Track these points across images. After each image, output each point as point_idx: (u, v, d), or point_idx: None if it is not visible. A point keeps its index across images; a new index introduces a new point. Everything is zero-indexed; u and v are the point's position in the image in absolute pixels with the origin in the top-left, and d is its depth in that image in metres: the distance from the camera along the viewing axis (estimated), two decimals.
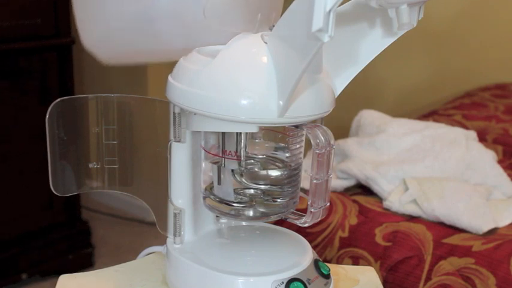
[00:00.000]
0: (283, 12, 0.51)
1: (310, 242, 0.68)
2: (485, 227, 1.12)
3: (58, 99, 0.63)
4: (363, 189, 1.30)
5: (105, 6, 0.59)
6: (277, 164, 0.64)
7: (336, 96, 0.60)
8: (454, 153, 1.30)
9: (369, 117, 1.48)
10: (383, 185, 1.24)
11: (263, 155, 0.64)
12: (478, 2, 2.25)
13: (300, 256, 0.64)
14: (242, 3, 0.58)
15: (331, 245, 1.15)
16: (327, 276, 0.64)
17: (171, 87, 0.59)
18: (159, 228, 0.67)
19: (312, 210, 0.59)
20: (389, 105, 2.23)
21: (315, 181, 0.58)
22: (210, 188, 0.65)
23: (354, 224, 1.16)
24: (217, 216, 0.68)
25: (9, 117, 1.77)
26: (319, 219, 0.60)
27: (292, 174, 0.63)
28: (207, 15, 0.56)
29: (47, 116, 0.63)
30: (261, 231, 0.70)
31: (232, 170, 0.63)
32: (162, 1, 0.57)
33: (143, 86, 2.27)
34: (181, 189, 0.64)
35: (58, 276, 0.69)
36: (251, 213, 0.63)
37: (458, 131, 1.38)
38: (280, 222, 0.70)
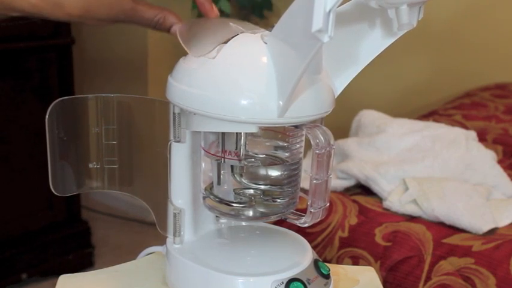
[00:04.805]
0: (283, 12, 0.51)
1: (310, 242, 0.68)
2: (485, 227, 1.12)
3: (58, 99, 0.63)
4: (363, 189, 1.30)
5: None
6: (277, 162, 0.64)
7: (335, 97, 0.60)
8: (454, 153, 1.30)
9: (368, 117, 1.48)
10: (383, 185, 1.24)
11: (263, 153, 0.64)
12: (478, 2, 2.25)
13: (300, 256, 0.64)
14: None
15: (331, 245, 1.15)
16: (327, 276, 0.64)
17: (171, 87, 0.59)
18: (159, 228, 0.67)
19: (312, 210, 0.59)
20: (389, 105, 2.23)
21: (314, 181, 0.58)
22: (209, 188, 0.65)
23: (354, 224, 1.16)
24: (217, 216, 0.68)
25: (9, 117, 1.77)
26: (318, 219, 0.60)
27: (292, 174, 0.63)
28: None
29: (47, 116, 0.63)
30: (261, 231, 0.70)
31: (232, 170, 0.63)
32: None
33: (143, 86, 2.28)
34: (181, 189, 0.64)
35: (58, 276, 0.69)
36: (251, 213, 0.63)
37: (458, 131, 1.38)
38: (280, 222, 0.70)
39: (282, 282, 0.59)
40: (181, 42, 0.59)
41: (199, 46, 0.57)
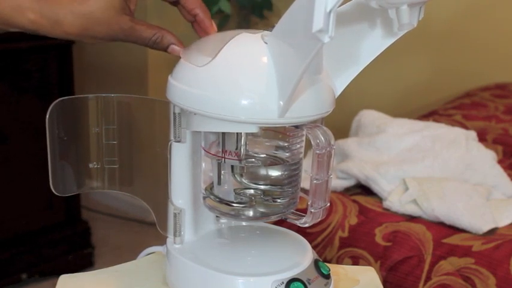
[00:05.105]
0: (283, 12, 0.51)
1: (310, 242, 0.68)
2: (485, 227, 1.12)
3: (58, 99, 0.63)
4: (363, 189, 1.30)
5: None
6: (277, 162, 0.64)
7: (336, 97, 0.60)
8: (454, 153, 1.30)
9: (368, 117, 1.48)
10: (383, 185, 1.24)
11: (263, 153, 0.64)
12: (478, 2, 2.25)
13: (300, 256, 0.64)
14: None
15: (331, 245, 1.15)
16: (327, 276, 0.64)
17: (171, 87, 0.59)
18: (159, 228, 0.67)
19: (312, 210, 0.59)
20: (389, 105, 2.23)
21: (315, 181, 0.58)
22: (210, 188, 0.65)
23: (354, 224, 1.16)
24: (217, 216, 0.68)
25: (9, 117, 1.77)
26: (319, 219, 0.60)
27: (292, 174, 0.63)
28: None
29: (47, 116, 0.63)
30: (261, 231, 0.70)
31: (232, 170, 0.63)
32: None
33: (143, 86, 2.28)
34: (181, 189, 0.64)
35: (58, 276, 0.69)
36: (251, 213, 0.63)
37: (458, 131, 1.38)
38: (280, 222, 0.69)
39: (282, 282, 0.59)
40: (183, 59, 0.59)
41: (201, 55, 0.58)
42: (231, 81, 0.55)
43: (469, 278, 1.03)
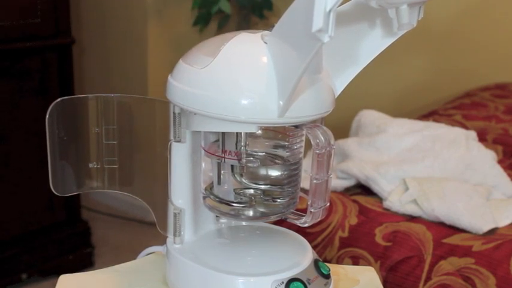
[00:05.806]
0: (283, 12, 0.51)
1: (310, 242, 0.68)
2: (485, 227, 1.12)
3: (58, 99, 0.63)
4: (363, 189, 1.30)
5: None
6: (277, 161, 0.64)
7: (336, 96, 0.60)
8: (454, 153, 1.30)
9: (369, 117, 1.48)
10: (383, 185, 1.24)
11: (263, 153, 0.64)
12: (478, 2, 2.25)
13: (300, 256, 0.64)
14: None
15: (331, 245, 1.15)
16: (327, 276, 0.64)
17: (171, 87, 0.59)
18: (159, 228, 0.67)
19: (312, 210, 0.59)
20: (389, 105, 2.23)
21: (315, 181, 0.58)
22: (210, 188, 0.65)
23: (354, 224, 1.16)
24: (217, 216, 0.68)
25: (9, 117, 1.77)
26: (319, 219, 0.60)
27: (292, 174, 0.63)
28: None
29: (47, 116, 0.63)
30: (261, 231, 0.70)
31: (232, 170, 0.63)
32: None
33: (143, 86, 2.28)
34: (181, 189, 0.64)
35: (58, 276, 0.69)
36: (251, 213, 0.63)
37: (458, 131, 1.38)
38: (280, 222, 0.70)
39: (282, 282, 0.59)
40: (184, 63, 0.59)
41: (201, 56, 0.57)
42: (231, 81, 0.55)
43: (469, 278, 1.03)
